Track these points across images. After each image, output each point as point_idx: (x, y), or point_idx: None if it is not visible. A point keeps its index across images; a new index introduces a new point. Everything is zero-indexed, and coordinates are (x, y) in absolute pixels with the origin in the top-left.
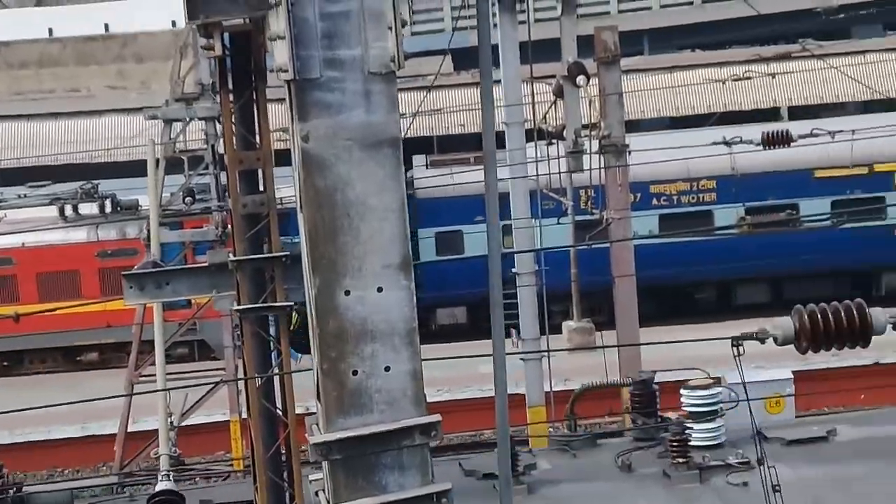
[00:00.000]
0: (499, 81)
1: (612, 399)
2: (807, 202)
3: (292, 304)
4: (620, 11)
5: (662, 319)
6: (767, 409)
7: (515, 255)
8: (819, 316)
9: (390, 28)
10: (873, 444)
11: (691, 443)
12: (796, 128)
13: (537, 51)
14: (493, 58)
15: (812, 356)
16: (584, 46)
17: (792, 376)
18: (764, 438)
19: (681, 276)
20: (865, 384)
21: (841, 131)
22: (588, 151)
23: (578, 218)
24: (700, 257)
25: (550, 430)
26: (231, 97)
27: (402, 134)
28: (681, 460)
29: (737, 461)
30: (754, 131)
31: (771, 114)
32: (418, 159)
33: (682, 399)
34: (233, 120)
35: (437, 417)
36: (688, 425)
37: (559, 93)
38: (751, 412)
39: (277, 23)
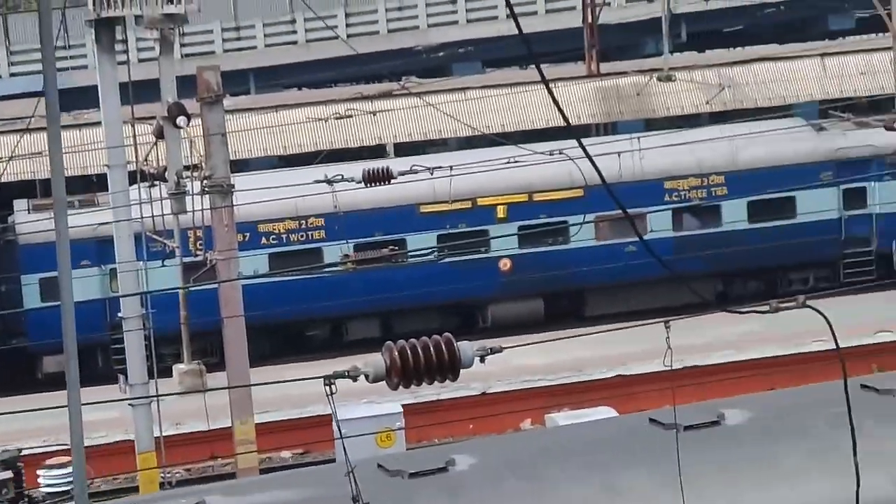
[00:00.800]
0: (100, 123)
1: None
2: (413, 237)
3: None
4: (226, 50)
5: (277, 358)
6: (378, 443)
7: (121, 299)
8: (409, 352)
9: None
10: None
11: None
12: (399, 164)
13: (142, 91)
14: (93, 99)
15: (424, 388)
16: (191, 86)
17: (401, 410)
18: None
19: (292, 314)
20: (474, 414)
21: (440, 167)
22: (191, 192)
23: (187, 259)
24: (310, 294)
25: (161, 476)
26: None
27: (1, 178)
28: None
29: None
30: (358, 169)
31: (378, 151)
32: (20, 204)
33: (40, 479)
34: None
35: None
36: None
37: (160, 134)
38: (345, 450)
39: None
